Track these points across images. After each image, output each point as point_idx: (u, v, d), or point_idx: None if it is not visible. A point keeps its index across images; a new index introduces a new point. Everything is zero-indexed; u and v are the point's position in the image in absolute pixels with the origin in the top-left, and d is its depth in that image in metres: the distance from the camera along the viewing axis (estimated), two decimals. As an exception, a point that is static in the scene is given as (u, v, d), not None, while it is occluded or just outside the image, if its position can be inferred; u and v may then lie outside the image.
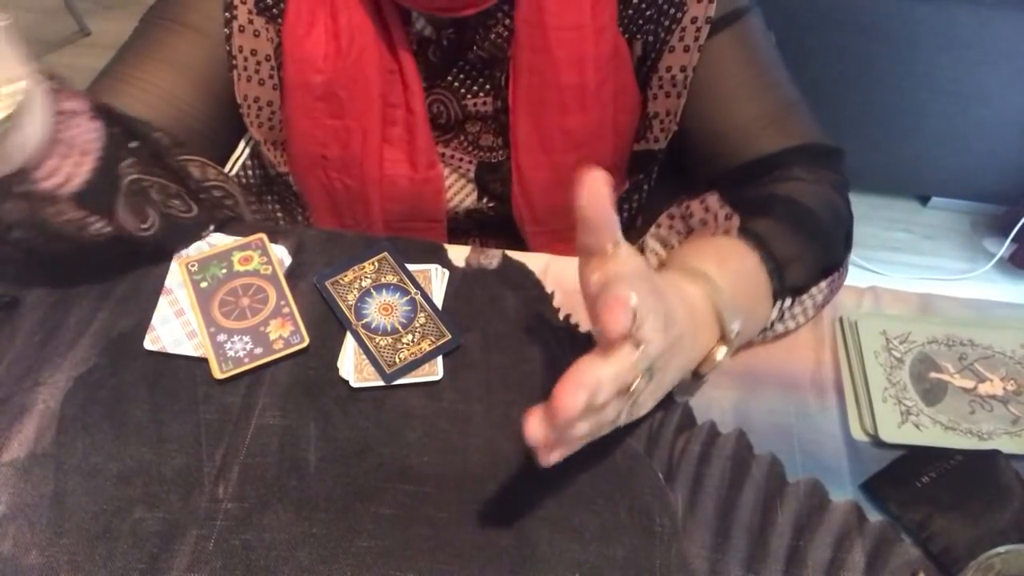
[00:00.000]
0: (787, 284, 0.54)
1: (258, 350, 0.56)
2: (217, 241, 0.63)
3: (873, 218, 1.82)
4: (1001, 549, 0.44)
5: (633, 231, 0.79)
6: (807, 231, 0.56)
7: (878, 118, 1.59)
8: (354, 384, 0.55)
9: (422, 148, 0.68)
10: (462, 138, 0.71)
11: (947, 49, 1.43)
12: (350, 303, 0.60)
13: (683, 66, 0.65)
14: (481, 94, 0.68)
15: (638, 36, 0.66)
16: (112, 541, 0.48)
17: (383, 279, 0.61)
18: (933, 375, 0.58)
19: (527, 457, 0.52)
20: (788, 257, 0.54)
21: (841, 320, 0.61)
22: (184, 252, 0.62)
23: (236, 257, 0.61)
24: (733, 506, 0.51)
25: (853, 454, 0.54)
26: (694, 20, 0.63)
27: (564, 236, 0.70)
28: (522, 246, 0.74)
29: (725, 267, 0.52)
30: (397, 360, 0.56)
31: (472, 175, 0.73)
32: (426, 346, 0.57)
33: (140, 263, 0.62)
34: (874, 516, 0.51)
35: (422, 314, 0.59)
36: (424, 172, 0.69)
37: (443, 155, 0.72)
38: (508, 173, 0.70)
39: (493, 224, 0.76)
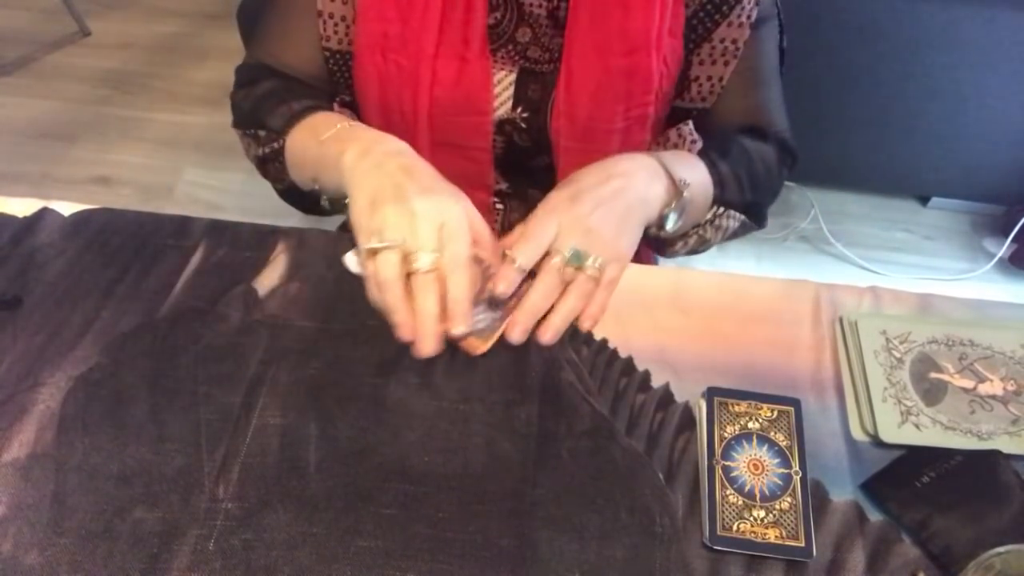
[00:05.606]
0: (723, 196, 0.70)
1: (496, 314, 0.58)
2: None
3: (873, 218, 1.82)
4: (1001, 549, 0.44)
5: None
6: (746, 169, 0.72)
7: (878, 118, 1.59)
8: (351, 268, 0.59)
9: (477, 33, 0.70)
10: (510, 47, 0.73)
11: (947, 49, 1.43)
12: (726, 436, 0.53)
13: (734, 39, 0.71)
14: None
15: None
16: (112, 541, 0.48)
17: (772, 434, 0.54)
18: (933, 375, 0.58)
19: (527, 457, 0.53)
20: (729, 178, 0.70)
21: (841, 320, 0.61)
22: None
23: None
24: (733, 506, 0.51)
25: (853, 454, 0.54)
26: (750, 0, 0.70)
27: (594, 159, 0.69)
28: (548, 179, 0.75)
29: (676, 155, 0.69)
30: (734, 529, 0.49)
31: (512, 81, 0.74)
32: (772, 536, 0.49)
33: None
34: (874, 516, 0.51)
35: (789, 498, 0.51)
36: (477, 56, 0.71)
37: None
38: (551, 81, 0.72)
39: (522, 144, 0.77)
